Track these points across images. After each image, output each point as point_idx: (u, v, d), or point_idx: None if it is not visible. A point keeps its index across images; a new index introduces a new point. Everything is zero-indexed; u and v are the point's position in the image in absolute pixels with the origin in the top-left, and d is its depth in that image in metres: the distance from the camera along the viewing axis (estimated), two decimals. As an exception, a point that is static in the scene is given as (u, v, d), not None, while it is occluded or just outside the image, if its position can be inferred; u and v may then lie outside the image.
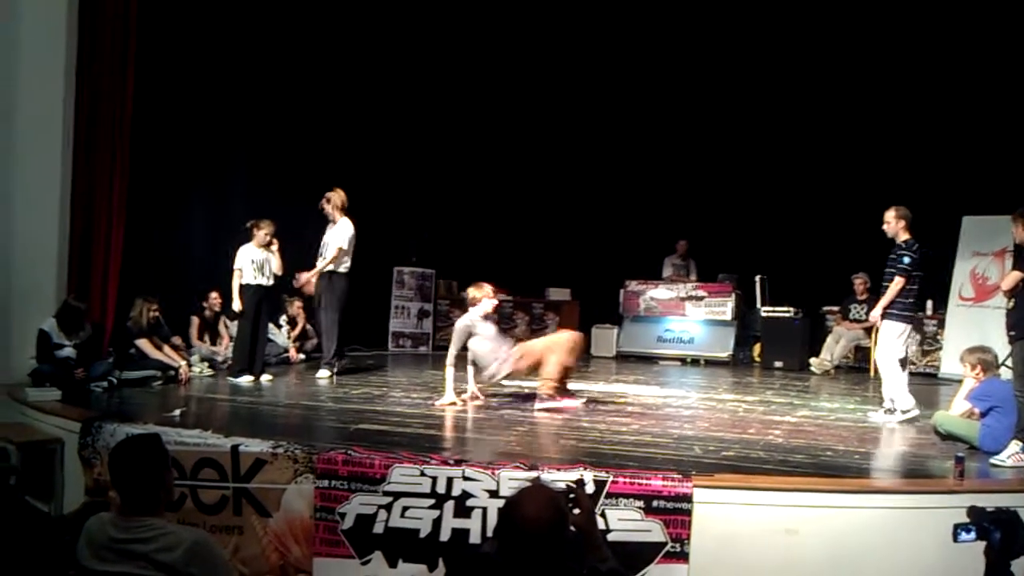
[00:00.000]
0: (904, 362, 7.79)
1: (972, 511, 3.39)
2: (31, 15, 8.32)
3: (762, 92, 12.87)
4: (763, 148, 13.11)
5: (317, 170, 11.25)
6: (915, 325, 8.02)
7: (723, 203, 13.30)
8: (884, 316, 7.69)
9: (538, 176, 13.54)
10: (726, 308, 12.60)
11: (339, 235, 9.36)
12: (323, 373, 9.43)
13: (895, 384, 7.68)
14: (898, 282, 7.55)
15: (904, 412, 7.61)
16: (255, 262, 8.94)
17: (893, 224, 7.73)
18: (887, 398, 7.75)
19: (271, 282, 9.10)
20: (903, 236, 7.67)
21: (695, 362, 12.65)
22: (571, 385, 8.24)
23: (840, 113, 12.37)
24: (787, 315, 12.19)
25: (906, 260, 7.54)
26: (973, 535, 3.33)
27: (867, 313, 9.31)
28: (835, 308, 12.17)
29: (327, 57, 12.00)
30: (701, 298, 12.76)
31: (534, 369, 7.80)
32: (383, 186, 12.79)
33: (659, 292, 13.02)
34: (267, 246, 9.03)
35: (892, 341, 7.71)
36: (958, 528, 3.36)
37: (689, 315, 12.81)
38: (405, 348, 13.17)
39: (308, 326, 11.19)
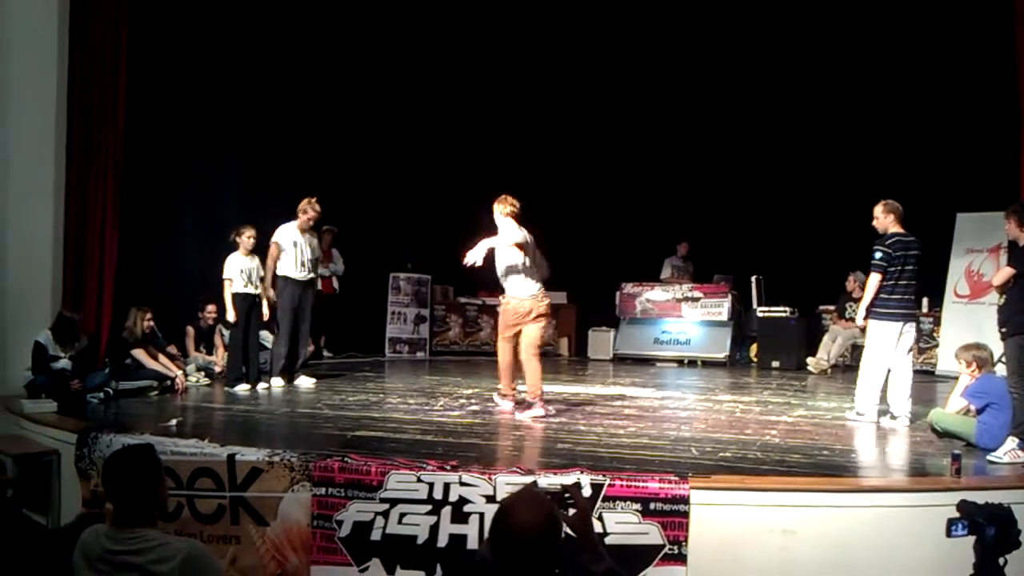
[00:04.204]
0: (904, 363, 7.42)
1: (962, 505, 3.40)
2: (22, 25, 8.32)
3: (757, 92, 12.90)
4: (757, 148, 13.14)
5: (310, 178, 11.25)
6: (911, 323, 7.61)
7: (718, 204, 13.34)
8: (868, 316, 7.47)
9: (534, 181, 13.57)
10: (722, 309, 12.62)
11: (317, 243, 9.68)
12: (308, 380, 9.46)
13: (863, 386, 7.52)
14: (872, 278, 7.35)
15: (859, 414, 7.52)
16: (244, 271, 8.93)
17: (882, 219, 7.49)
18: (887, 401, 7.53)
19: (259, 290, 9.09)
20: (893, 229, 7.42)
21: (692, 363, 12.67)
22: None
23: (835, 113, 12.40)
24: (783, 315, 12.20)
25: (877, 256, 7.32)
26: (965, 530, 3.34)
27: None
28: (831, 307, 12.19)
29: (320, 65, 12.03)
30: (697, 299, 12.77)
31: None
32: (378, 192, 12.81)
33: (655, 294, 13.03)
34: (253, 252, 9.03)
35: (872, 341, 7.49)
36: (951, 523, 3.38)
37: (686, 316, 12.82)
38: (402, 354, 13.16)
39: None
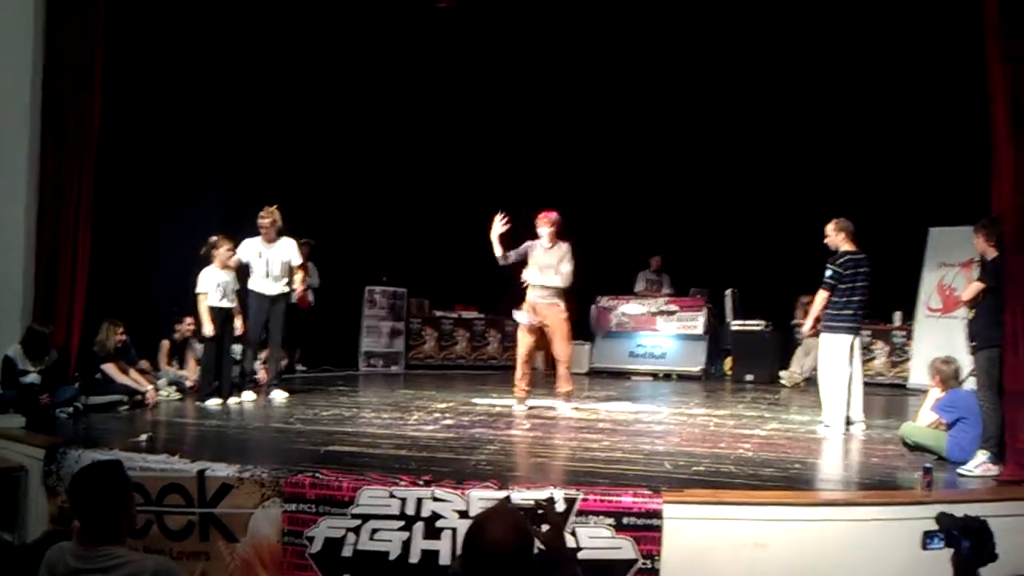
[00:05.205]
0: (850, 376, 7.75)
1: (941, 517, 3.40)
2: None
3: (730, 107, 12.95)
4: (732, 162, 13.19)
5: (287, 190, 11.18)
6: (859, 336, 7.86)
7: (693, 218, 13.37)
8: (820, 329, 7.83)
9: (508, 195, 13.59)
10: (697, 322, 12.65)
11: (295, 251, 9.34)
12: (282, 394, 9.35)
13: (829, 397, 7.75)
14: (819, 295, 7.73)
15: (826, 427, 7.70)
16: (219, 284, 8.85)
17: (833, 237, 7.82)
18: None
19: (234, 304, 9.02)
20: (845, 247, 7.74)
21: (667, 377, 12.69)
22: (533, 402, 8.85)
23: (808, 127, 12.45)
24: (757, 328, 12.27)
25: (827, 273, 7.69)
26: (942, 543, 3.34)
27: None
28: (804, 321, 12.21)
29: (296, 77, 11.97)
30: (672, 313, 12.80)
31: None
32: (354, 205, 12.77)
33: (631, 307, 13.04)
34: (228, 265, 8.94)
35: (829, 353, 7.79)
36: (927, 535, 3.37)
37: (661, 330, 12.84)
38: (376, 368, 13.09)
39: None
